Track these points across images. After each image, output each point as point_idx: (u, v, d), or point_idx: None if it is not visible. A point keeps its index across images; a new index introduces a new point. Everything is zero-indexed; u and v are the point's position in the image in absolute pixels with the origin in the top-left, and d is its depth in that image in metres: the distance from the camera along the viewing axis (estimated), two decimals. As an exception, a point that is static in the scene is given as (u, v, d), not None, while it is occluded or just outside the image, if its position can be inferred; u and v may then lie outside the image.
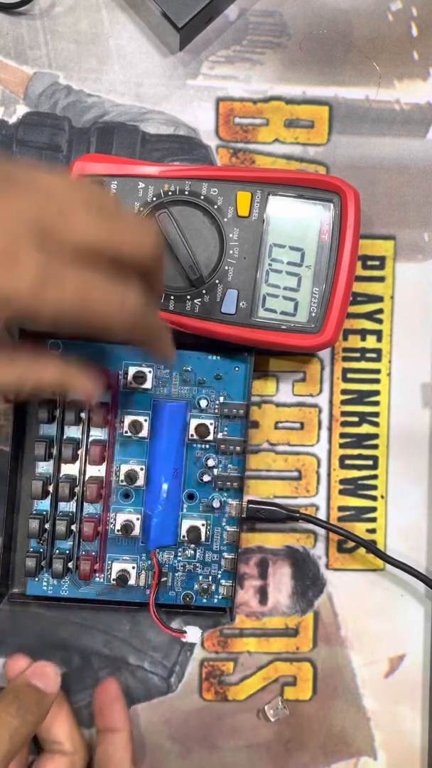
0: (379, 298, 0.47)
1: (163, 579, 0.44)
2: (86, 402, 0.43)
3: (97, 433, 0.44)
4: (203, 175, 0.42)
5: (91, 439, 0.44)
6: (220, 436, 0.44)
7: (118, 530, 0.43)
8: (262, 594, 0.46)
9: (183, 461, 0.44)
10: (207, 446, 0.44)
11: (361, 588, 0.47)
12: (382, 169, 0.47)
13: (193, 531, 0.44)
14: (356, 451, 0.47)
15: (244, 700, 0.46)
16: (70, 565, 0.43)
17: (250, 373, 0.44)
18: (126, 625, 0.46)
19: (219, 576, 0.44)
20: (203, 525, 0.44)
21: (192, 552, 0.44)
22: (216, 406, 0.44)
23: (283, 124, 0.46)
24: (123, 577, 0.44)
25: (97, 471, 0.44)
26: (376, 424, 0.47)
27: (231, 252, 0.42)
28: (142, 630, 0.46)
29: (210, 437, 0.43)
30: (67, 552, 0.44)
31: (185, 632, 0.45)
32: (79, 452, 0.44)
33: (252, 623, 0.46)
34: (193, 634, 0.45)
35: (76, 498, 0.44)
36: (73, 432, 0.44)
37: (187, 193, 0.42)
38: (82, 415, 0.43)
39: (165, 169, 0.42)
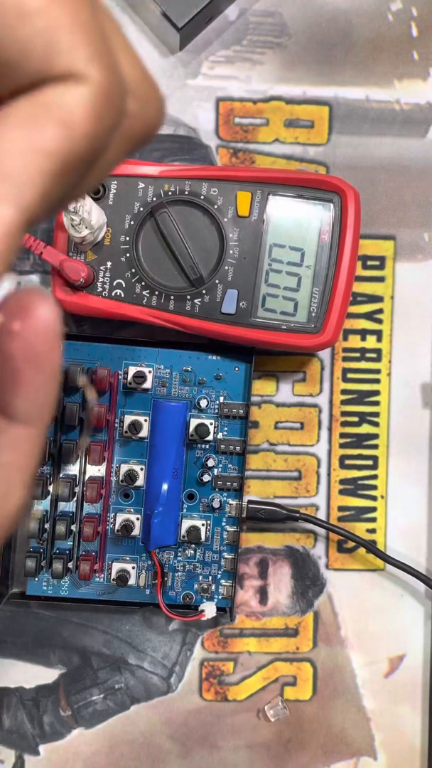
0: (379, 298, 0.47)
1: (163, 579, 0.44)
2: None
3: (97, 434, 0.44)
4: (203, 175, 0.42)
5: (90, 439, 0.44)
6: (220, 436, 0.44)
7: (117, 530, 0.43)
8: (262, 594, 0.46)
9: (183, 461, 0.44)
10: (207, 446, 0.44)
11: (361, 588, 0.47)
12: (382, 169, 0.47)
13: (193, 531, 0.44)
14: (356, 451, 0.47)
15: (244, 700, 0.46)
16: (70, 565, 0.43)
17: (250, 373, 0.44)
18: (126, 625, 0.46)
19: (219, 576, 0.44)
20: (203, 525, 0.44)
21: (192, 552, 0.44)
22: (216, 406, 0.44)
23: (283, 124, 0.46)
24: (123, 577, 0.44)
25: (97, 471, 0.44)
26: (376, 424, 0.47)
27: (231, 252, 0.42)
28: (142, 630, 0.46)
29: (210, 437, 0.43)
30: (67, 552, 0.44)
31: (203, 611, 0.43)
32: (79, 452, 0.44)
33: (252, 623, 0.46)
34: (209, 609, 0.43)
35: (75, 498, 0.44)
36: (72, 432, 0.44)
37: (187, 193, 0.42)
38: (82, 415, 0.43)
39: (165, 169, 0.42)
